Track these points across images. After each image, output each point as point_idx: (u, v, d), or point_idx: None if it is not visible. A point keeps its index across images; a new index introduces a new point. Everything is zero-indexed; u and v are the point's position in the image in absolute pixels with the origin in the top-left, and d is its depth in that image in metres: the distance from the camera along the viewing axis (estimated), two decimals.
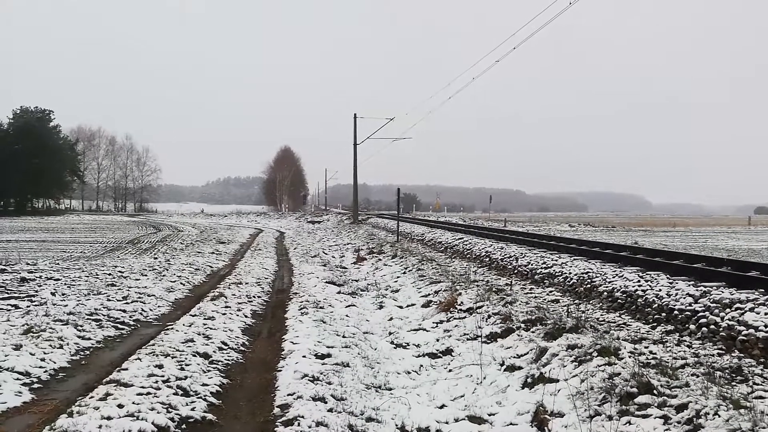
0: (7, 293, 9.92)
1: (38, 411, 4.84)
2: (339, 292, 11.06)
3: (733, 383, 5.40)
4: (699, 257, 12.35)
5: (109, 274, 12.56)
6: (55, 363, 6.06)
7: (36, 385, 5.43)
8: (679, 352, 6.59)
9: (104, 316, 8.27)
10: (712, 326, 7.17)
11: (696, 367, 5.87)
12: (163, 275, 12.72)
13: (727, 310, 7.26)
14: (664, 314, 8.11)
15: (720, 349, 6.65)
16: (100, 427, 4.29)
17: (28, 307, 8.67)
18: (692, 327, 7.43)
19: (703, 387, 4.47)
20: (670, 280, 9.47)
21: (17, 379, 5.46)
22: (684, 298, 8.12)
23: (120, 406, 4.69)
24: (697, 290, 8.28)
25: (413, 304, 9.86)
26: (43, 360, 6.05)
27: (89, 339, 7.10)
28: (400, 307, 9.90)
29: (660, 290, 8.76)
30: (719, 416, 3.88)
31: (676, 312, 7.91)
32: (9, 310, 8.47)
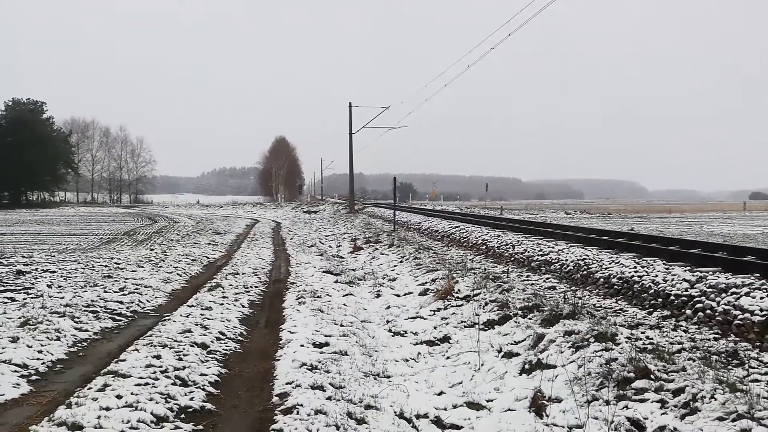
0: (3, 286, 9.88)
1: (37, 403, 4.84)
2: (336, 282, 11.07)
3: (730, 367, 5.44)
4: (694, 243, 12.39)
5: (106, 266, 12.52)
6: (52, 355, 6.05)
7: (34, 377, 5.43)
8: (676, 337, 6.63)
9: (101, 307, 8.25)
10: (708, 311, 7.20)
11: (692, 352, 5.91)
12: (160, 266, 12.69)
13: (723, 294, 7.30)
14: (660, 300, 8.14)
15: (716, 334, 6.68)
16: (98, 417, 4.29)
17: (24, 299, 8.64)
18: (688, 312, 7.47)
19: (699, 371, 4.49)
20: (666, 266, 9.50)
21: (15, 371, 5.45)
22: (680, 283, 8.15)
23: (118, 396, 4.69)
24: (693, 276, 8.31)
25: (410, 293, 9.87)
26: (40, 352, 6.04)
27: (86, 331, 7.09)
28: (398, 295, 9.91)
29: (656, 276, 8.79)
30: (716, 399, 3.90)
31: (672, 297, 7.94)
32: (5, 302, 8.44)
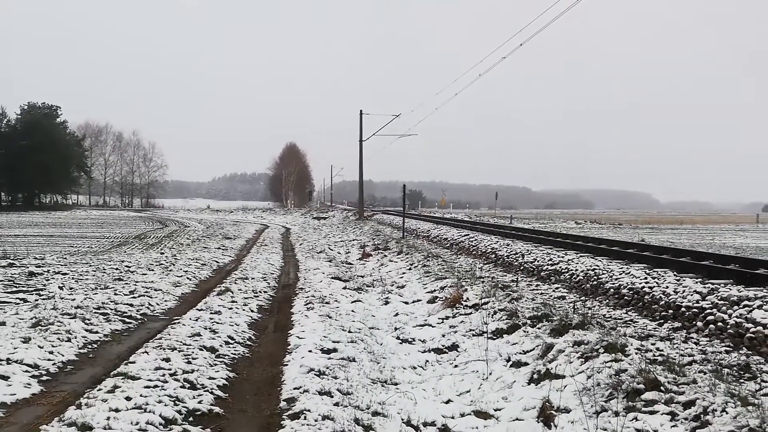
0: (16, 287, 10.00)
1: (47, 403, 4.88)
2: (345, 288, 11.07)
3: (741, 380, 5.38)
4: (706, 254, 12.28)
5: (116, 269, 12.63)
6: (63, 356, 6.10)
7: (45, 378, 5.47)
8: (687, 349, 6.57)
9: (111, 310, 8.31)
10: (720, 323, 7.14)
11: (703, 364, 5.85)
12: (170, 270, 12.77)
13: (735, 307, 7.23)
14: (671, 311, 8.08)
15: (728, 347, 6.62)
16: (108, 419, 4.32)
17: (36, 300, 8.73)
18: (699, 324, 7.40)
19: (710, 384, 4.45)
20: (677, 278, 9.43)
21: (26, 371, 5.50)
22: (691, 295, 8.08)
23: (128, 398, 4.72)
24: (704, 287, 8.24)
25: (419, 300, 9.86)
26: (51, 353, 6.09)
27: (97, 332, 7.14)
28: (406, 302, 9.90)
29: (667, 287, 8.72)
30: (727, 413, 3.86)
31: (683, 309, 7.88)
32: (17, 303, 8.54)
